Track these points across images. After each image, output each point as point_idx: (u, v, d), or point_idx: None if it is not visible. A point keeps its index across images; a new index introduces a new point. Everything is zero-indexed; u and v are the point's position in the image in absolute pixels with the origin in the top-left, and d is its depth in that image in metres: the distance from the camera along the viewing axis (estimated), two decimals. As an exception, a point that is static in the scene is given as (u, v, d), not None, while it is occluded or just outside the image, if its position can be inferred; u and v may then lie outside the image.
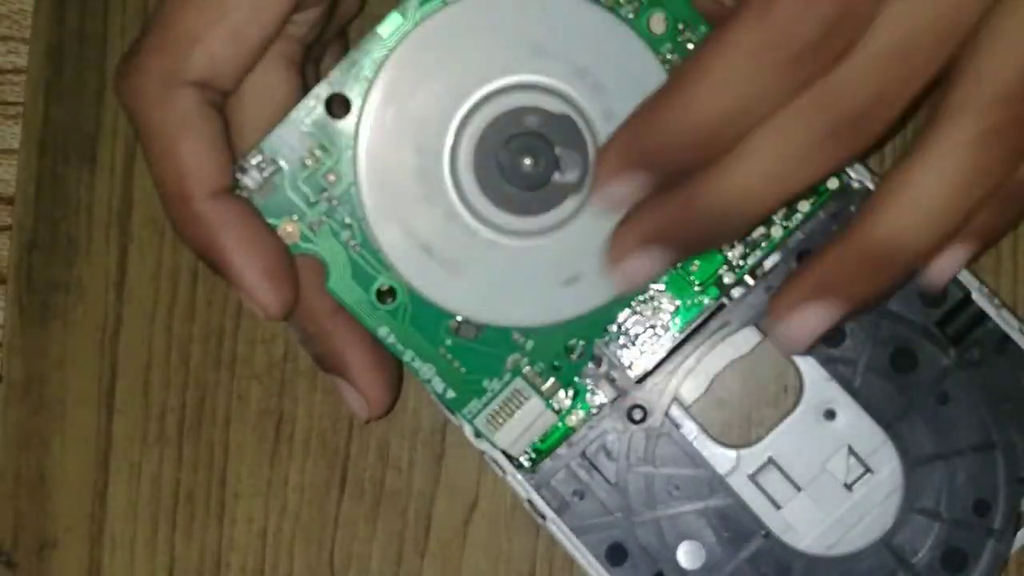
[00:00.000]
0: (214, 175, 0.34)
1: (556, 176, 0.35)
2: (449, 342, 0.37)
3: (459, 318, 0.36)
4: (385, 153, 0.35)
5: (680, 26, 0.36)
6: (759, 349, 0.39)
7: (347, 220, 0.36)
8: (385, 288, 0.36)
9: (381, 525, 0.42)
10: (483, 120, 0.35)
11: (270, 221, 0.36)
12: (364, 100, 0.35)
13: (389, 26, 0.35)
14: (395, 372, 0.38)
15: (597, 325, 0.37)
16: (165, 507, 0.42)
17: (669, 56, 0.36)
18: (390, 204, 0.36)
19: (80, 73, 0.43)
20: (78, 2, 0.43)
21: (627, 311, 0.38)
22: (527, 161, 0.35)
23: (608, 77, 0.35)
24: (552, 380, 0.37)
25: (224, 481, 0.42)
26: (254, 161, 0.35)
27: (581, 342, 0.37)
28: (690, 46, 0.36)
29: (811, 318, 0.30)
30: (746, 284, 0.38)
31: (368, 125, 0.35)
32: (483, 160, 0.36)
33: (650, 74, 0.35)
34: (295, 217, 0.36)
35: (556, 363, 0.37)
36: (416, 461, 0.42)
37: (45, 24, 0.43)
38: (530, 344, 0.37)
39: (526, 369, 0.37)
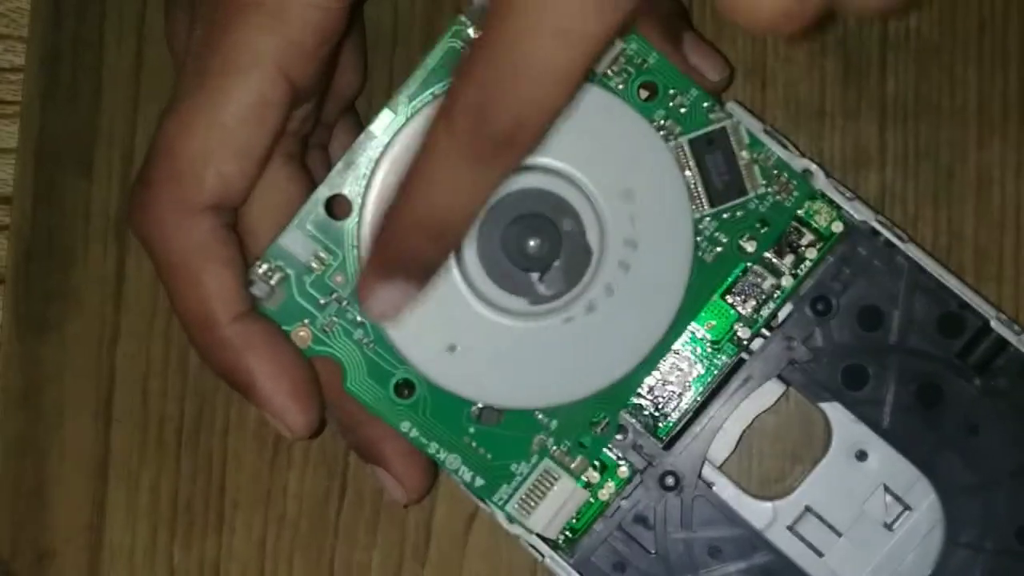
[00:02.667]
0: (236, 299, 0.34)
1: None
2: (472, 430, 0.36)
3: (480, 404, 0.36)
4: None
5: (671, 91, 0.36)
6: (784, 400, 0.39)
7: (359, 319, 0.36)
8: (403, 382, 0.36)
9: (381, 534, 0.41)
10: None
11: (282, 328, 0.36)
12: (364, 198, 0.35)
13: (381, 123, 0.35)
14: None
15: (620, 396, 0.37)
16: (164, 517, 0.42)
17: (663, 122, 0.36)
18: None
19: (76, 80, 0.42)
20: (75, 8, 0.42)
21: (648, 379, 0.37)
22: (532, 243, 0.35)
23: (605, 149, 0.35)
24: (580, 457, 0.37)
25: (223, 490, 0.42)
26: (260, 270, 0.35)
27: (605, 416, 0.37)
28: (683, 110, 0.36)
29: (389, 295, 0.31)
30: (764, 336, 0.38)
31: (369, 223, 0.35)
32: (488, 244, 0.35)
33: (643, 138, 0.35)
34: (306, 321, 0.36)
35: (582, 440, 0.37)
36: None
37: (42, 30, 0.42)
38: (554, 423, 0.37)
39: (553, 449, 0.37)
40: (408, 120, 0.35)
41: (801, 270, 0.38)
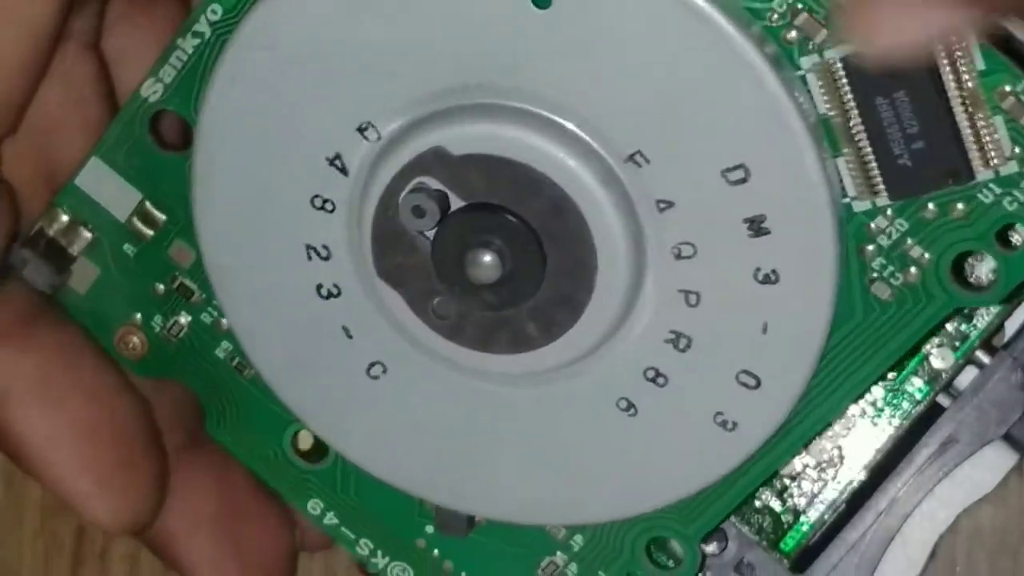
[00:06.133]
0: None
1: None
2: (430, 529, 0.23)
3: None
4: (244, 209, 0.21)
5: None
6: (1016, 477, 0.27)
7: (224, 322, 0.23)
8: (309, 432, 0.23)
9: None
10: (398, 170, 0.19)
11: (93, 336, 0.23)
12: (199, 120, 0.21)
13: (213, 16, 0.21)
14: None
15: (704, 512, 0.22)
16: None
17: (789, 34, 0.19)
18: (263, 301, 0.21)
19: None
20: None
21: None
22: (487, 258, 0.19)
23: (646, 84, 0.19)
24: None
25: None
26: (49, 231, 0.22)
27: (677, 537, 0.22)
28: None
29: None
30: (978, 366, 0.24)
31: (207, 161, 0.21)
32: (405, 244, 0.20)
33: (727, 59, 0.18)
34: (137, 318, 0.23)
35: (634, 572, 0.22)
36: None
37: None
38: (578, 541, 0.22)
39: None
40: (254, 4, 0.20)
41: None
